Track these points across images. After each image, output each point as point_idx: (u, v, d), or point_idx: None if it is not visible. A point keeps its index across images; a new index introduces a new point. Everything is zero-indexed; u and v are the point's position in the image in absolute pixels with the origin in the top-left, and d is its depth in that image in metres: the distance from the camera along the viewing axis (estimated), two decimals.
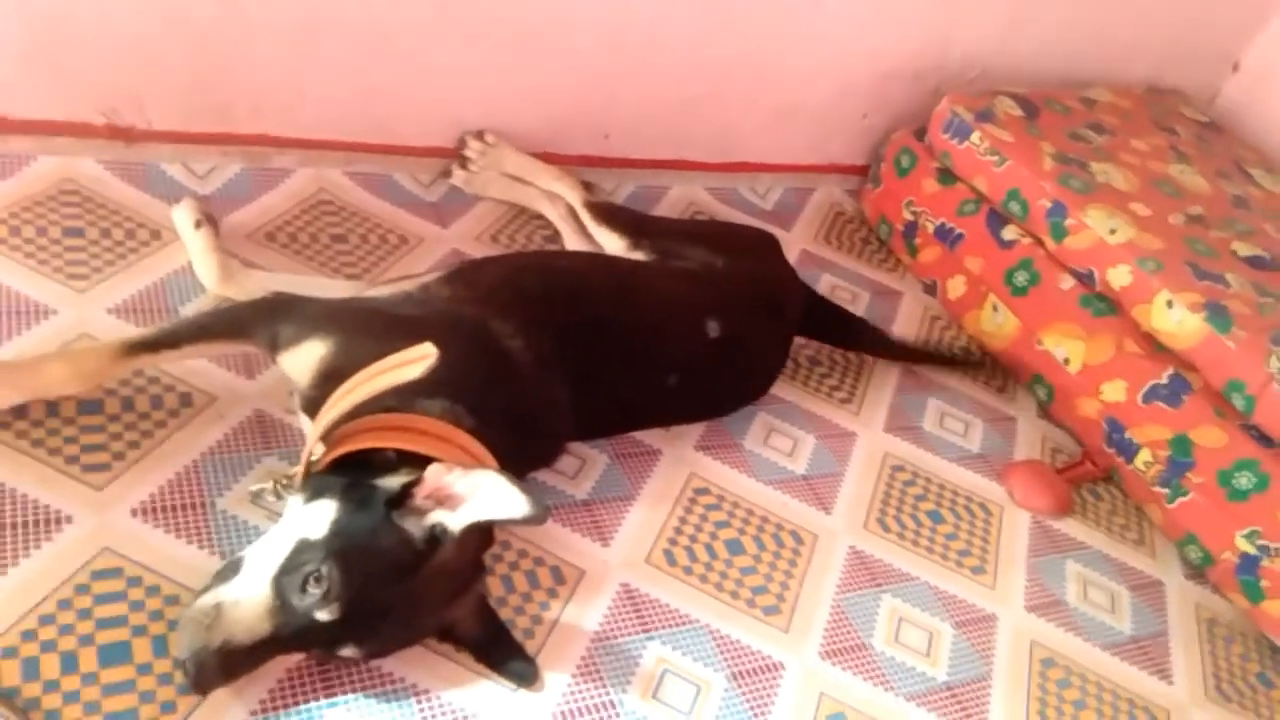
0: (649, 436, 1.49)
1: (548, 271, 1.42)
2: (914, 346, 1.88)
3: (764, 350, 1.59)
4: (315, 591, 0.93)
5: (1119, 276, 1.68)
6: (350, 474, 1.03)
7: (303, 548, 0.97)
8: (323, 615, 0.94)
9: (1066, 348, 1.77)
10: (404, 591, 0.98)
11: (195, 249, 1.42)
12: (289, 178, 1.65)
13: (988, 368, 1.89)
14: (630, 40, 1.77)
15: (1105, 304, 1.73)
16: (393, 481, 1.01)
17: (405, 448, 1.04)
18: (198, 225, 1.43)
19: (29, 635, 0.98)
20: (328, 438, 1.07)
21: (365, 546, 0.97)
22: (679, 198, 2.03)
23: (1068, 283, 1.78)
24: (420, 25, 1.59)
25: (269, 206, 1.59)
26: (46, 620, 1.00)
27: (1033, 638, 1.43)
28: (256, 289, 1.38)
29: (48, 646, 0.98)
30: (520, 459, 1.23)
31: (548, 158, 1.82)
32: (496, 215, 1.77)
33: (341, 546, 0.96)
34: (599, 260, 1.56)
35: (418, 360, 1.00)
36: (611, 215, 1.66)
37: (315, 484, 1.04)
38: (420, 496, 0.99)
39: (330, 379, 1.09)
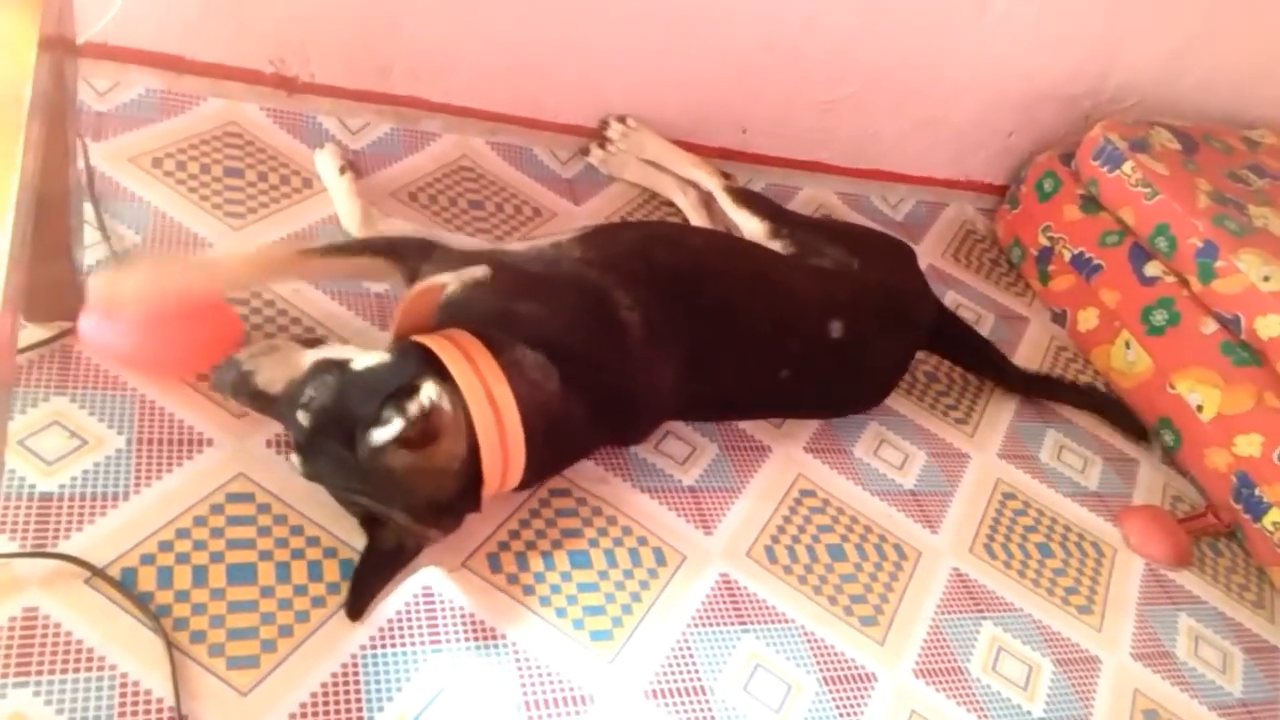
0: (759, 432, 1.49)
1: (680, 247, 1.41)
2: (1041, 378, 1.81)
3: (883, 360, 1.56)
4: (309, 394, 1.05)
5: (1269, 326, 1.60)
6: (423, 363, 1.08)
7: (337, 370, 1.07)
8: (299, 416, 1.05)
9: (1201, 394, 1.69)
10: (353, 451, 1.02)
11: (339, 193, 1.48)
12: (435, 141, 1.69)
13: (1117, 411, 1.81)
14: (782, 35, 1.76)
15: (1249, 353, 1.65)
16: (429, 388, 1.02)
17: (441, 355, 1.07)
18: (342, 171, 1.49)
19: (166, 546, 1.04)
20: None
21: (354, 399, 1.04)
22: (809, 199, 2.01)
23: (1210, 327, 1.71)
24: (578, 3, 1.62)
25: (414, 167, 1.63)
26: (182, 534, 1.05)
27: (1136, 686, 1.38)
28: (398, 236, 1.43)
29: (182, 559, 1.03)
30: (604, 431, 1.27)
31: (685, 147, 1.82)
32: (628, 198, 1.79)
33: (343, 387, 1.05)
34: (734, 243, 1.55)
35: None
36: (752, 199, 1.66)
37: (393, 346, 1.12)
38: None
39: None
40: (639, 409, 1.31)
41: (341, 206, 1.47)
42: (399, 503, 1.06)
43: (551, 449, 1.16)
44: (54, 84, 0.90)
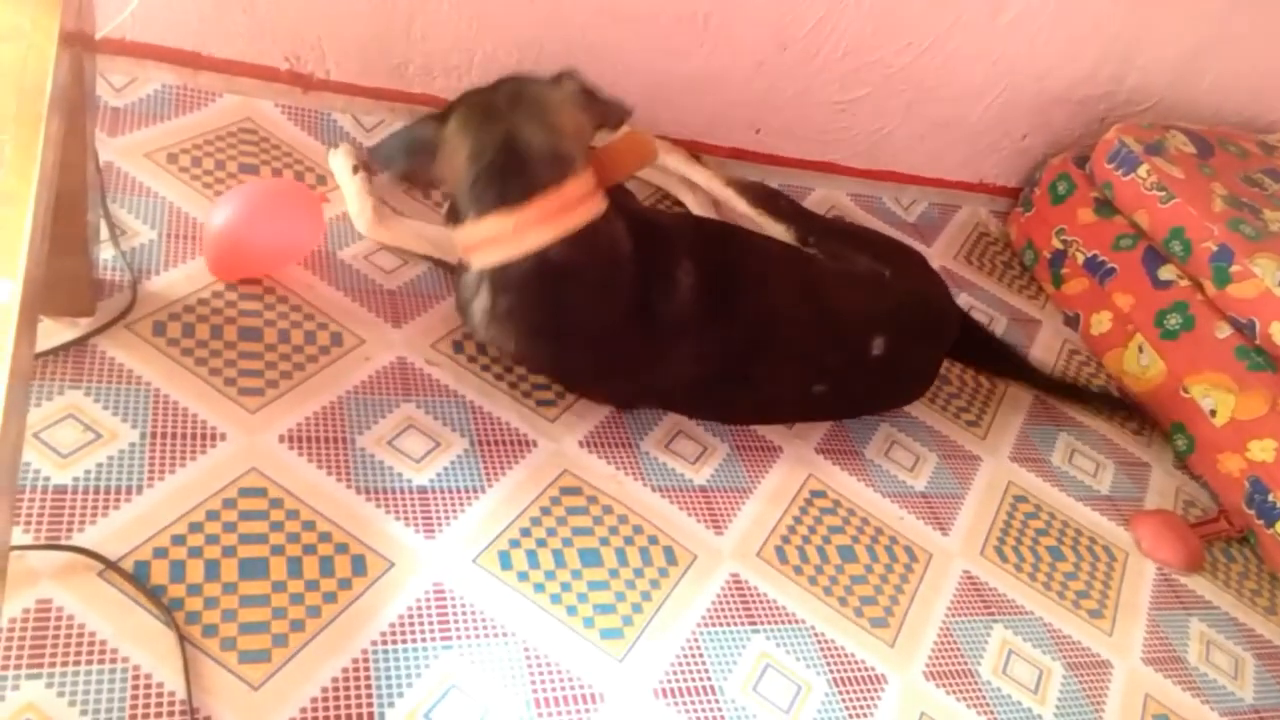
0: (770, 432, 1.49)
1: (752, 248, 1.42)
2: (1056, 380, 1.83)
3: (916, 373, 1.56)
4: None
5: None
6: None
7: None
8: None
9: (1215, 399, 1.69)
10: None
11: (351, 192, 1.48)
12: None
13: (1128, 411, 1.82)
14: (796, 34, 1.76)
15: (1264, 358, 1.65)
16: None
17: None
18: (355, 170, 1.49)
19: (179, 540, 1.04)
20: None
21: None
22: (821, 199, 2.01)
23: (1224, 331, 1.70)
24: (591, 3, 1.61)
25: None
26: (195, 528, 1.05)
27: (1147, 691, 1.38)
28: (408, 234, 1.45)
29: (194, 552, 1.03)
30: (580, 373, 1.35)
31: (699, 147, 1.83)
32: (643, 195, 1.79)
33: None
34: (798, 259, 1.50)
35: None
36: (774, 205, 1.64)
37: None
38: None
39: None
40: (625, 374, 1.33)
41: (353, 205, 1.47)
42: (513, 115, 1.18)
43: (581, 293, 1.21)
44: (73, 79, 0.90)
